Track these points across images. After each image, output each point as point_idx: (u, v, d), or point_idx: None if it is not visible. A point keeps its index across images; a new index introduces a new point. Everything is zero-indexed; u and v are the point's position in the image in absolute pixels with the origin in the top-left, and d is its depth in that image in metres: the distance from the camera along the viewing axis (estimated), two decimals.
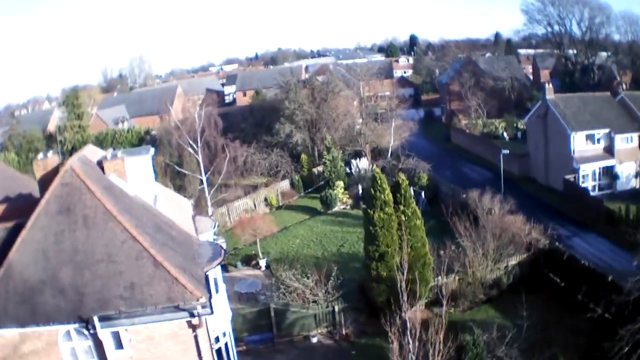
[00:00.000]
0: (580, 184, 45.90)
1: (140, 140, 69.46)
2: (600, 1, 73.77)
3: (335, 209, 48.53)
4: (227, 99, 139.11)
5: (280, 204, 51.29)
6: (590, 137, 46.71)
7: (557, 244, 32.51)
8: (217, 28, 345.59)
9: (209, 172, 45.68)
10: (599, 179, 46.88)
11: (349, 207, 49.25)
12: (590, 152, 46.73)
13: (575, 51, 73.92)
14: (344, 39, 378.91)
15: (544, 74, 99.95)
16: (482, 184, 50.30)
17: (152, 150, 23.85)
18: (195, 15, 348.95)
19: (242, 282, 34.72)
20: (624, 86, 75.10)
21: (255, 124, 65.56)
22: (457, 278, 29.93)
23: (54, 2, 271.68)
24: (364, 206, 46.60)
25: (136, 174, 21.27)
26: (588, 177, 46.56)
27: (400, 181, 27.66)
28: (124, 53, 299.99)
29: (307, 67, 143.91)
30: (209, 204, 44.90)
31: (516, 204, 35.60)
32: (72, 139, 73.48)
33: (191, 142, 44.87)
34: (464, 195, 41.58)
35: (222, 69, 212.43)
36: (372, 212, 26.83)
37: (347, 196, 50.48)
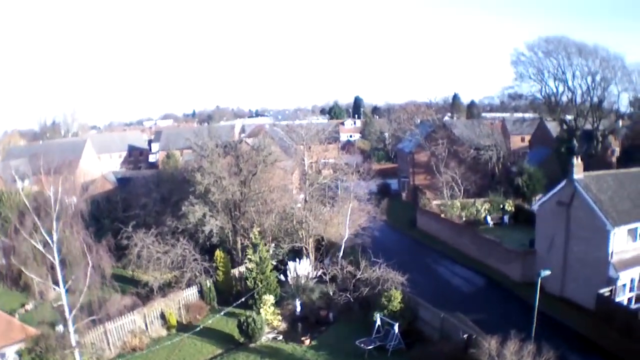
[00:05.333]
0: (615, 297, 31.41)
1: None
2: (611, 53, 59.73)
3: (262, 339, 31.92)
4: (153, 158, 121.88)
5: (185, 323, 34.48)
6: (631, 232, 32.79)
7: None
8: (158, 82, 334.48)
9: (69, 282, 27.91)
10: (636, 289, 32.89)
11: (280, 336, 32.72)
12: (630, 253, 32.69)
13: (575, 114, 59.57)
14: (284, 100, 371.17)
15: (515, 142, 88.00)
16: (474, 298, 36.19)
17: None
18: (137, 68, 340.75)
19: None
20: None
21: (162, 199, 48.41)
22: None
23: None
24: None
25: None
26: (626, 287, 32.37)
27: None
28: (66, 100, 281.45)
29: (243, 128, 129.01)
30: (71, 329, 27.44)
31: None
32: None
33: (44, 233, 27.29)
34: (465, 337, 26.15)
35: (156, 123, 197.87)
36: None
37: (279, 317, 34.15)
